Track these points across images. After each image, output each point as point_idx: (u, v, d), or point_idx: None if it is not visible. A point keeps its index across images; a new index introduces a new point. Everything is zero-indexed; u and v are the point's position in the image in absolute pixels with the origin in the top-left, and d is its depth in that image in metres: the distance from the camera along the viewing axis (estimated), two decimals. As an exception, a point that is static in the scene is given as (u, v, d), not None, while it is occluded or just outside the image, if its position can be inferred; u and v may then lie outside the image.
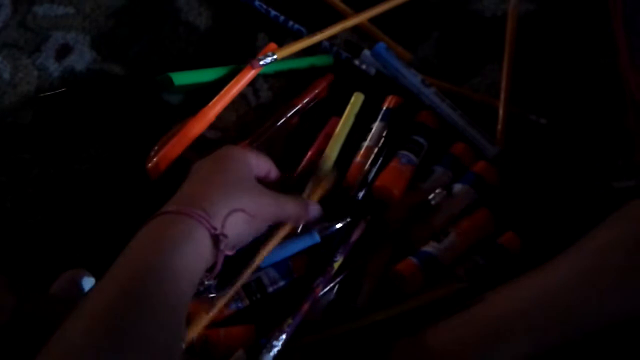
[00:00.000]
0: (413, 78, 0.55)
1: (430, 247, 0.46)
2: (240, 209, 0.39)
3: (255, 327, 0.45)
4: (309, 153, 0.53)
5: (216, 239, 0.38)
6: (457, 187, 0.49)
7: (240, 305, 0.45)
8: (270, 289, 0.46)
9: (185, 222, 0.37)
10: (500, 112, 0.54)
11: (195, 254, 0.37)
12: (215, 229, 0.38)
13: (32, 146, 0.53)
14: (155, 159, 0.51)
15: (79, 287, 0.45)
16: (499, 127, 0.53)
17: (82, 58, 0.58)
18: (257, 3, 0.60)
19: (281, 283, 0.46)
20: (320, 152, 0.52)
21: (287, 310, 0.43)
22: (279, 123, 0.55)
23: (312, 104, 0.56)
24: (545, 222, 0.48)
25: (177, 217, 0.37)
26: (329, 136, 0.53)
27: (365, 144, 0.52)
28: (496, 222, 0.48)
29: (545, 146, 0.53)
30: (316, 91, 0.56)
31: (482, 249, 0.47)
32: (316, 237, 0.47)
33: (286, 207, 0.44)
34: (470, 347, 0.39)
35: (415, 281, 0.45)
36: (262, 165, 0.45)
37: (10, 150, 0.53)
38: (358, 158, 0.52)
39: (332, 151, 0.52)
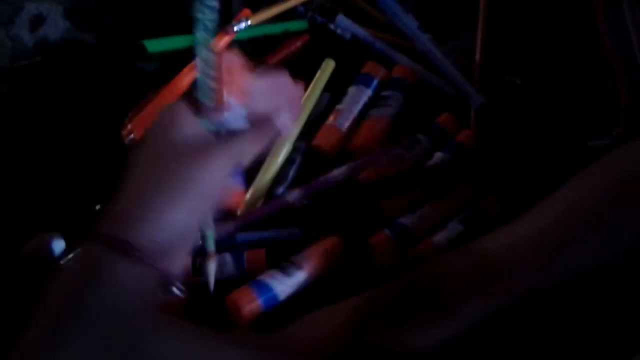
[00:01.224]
0: (410, 23, 0.55)
1: (404, 218, 0.46)
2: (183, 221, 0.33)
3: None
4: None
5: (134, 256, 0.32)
6: (438, 155, 0.49)
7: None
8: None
9: (94, 245, 0.32)
10: (476, 71, 0.54)
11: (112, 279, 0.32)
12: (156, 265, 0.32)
13: (8, 117, 0.53)
14: (129, 127, 0.51)
15: (49, 248, 0.45)
16: (475, 84, 0.53)
17: (55, 28, 0.58)
18: (230, -31, 0.59)
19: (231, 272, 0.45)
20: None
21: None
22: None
23: (286, 64, 0.56)
24: (522, 183, 0.49)
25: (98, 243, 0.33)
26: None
27: (339, 106, 0.52)
28: (474, 188, 0.48)
29: (520, 107, 0.53)
30: (291, 49, 0.56)
31: (461, 214, 0.46)
32: None
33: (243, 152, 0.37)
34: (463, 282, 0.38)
35: (388, 253, 0.45)
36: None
37: (-15, 121, 0.53)
38: (329, 120, 0.52)
39: (300, 116, 0.52)
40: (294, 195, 0.47)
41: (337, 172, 0.48)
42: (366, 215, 0.48)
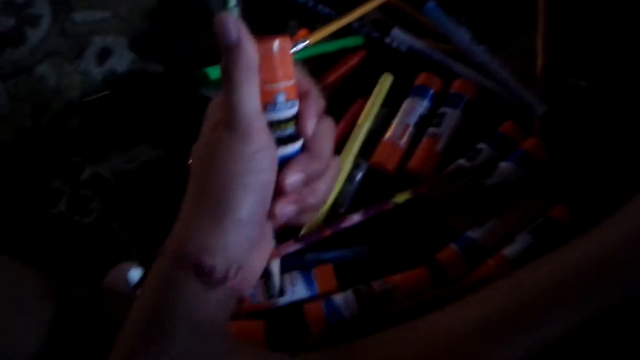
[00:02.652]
0: (463, 36, 0.54)
1: (471, 232, 0.46)
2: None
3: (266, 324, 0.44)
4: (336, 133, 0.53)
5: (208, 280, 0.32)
6: (503, 165, 0.48)
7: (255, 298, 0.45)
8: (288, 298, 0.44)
9: (165, 265, 0.33)
10: (538, 74, 0.53)
11: (184, 301, 0.32)
12: (222, 279, 0.32)
13: (83, 149, 0.56)
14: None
15: (127, 279, 0.47)
16: (538, 89, 0.52)
17: (122, 60, 0.60)
18: (284, -10, 0.60)
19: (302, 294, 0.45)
20: (346, 134, 0.53)
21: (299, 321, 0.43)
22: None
23: (344, 80, 0.56)
24: (592, 190, 0.47)
25: (161, 260, 0.34)
26: (355, 118, 0.54)
27: (395, 121, 0.52)
28: (544, 197, 0.47)
29: (586, 110, 0.51)
30: (349, 66, 0.57)
31: (530, 225, 0.45)
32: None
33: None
34: (510, 319, 0.37)
35: (457, 267, 0.45)
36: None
37: (61, 154, 0.56)
38: (386, 136, 0.52)
39: (359, 133, 0.52)
40: (356, 217, 0.47)
41: (397, 199, 0.48)
42: (432, 230, 0.47)
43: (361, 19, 0.58)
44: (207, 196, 0.34)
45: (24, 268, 0.41)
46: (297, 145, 0.36)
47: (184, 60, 0.59)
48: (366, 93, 0.55)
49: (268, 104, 0.34)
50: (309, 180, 0.35)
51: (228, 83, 0.33)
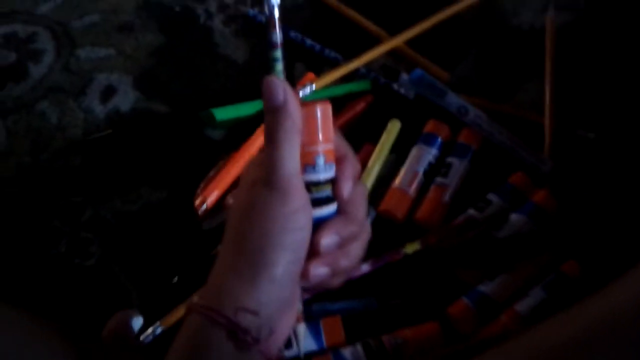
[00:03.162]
0: (452, 105, 0.54)
1: (483, 286, 0.45)
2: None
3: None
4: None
5: (243, 342, 0.32)
6: (514, 217, 0.48)
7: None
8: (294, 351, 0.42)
9: (200, 324, 0.32)
10: (547, 127, 0.53)
11: None
12: (239, 328, 0.32)
13: (83, 189, 0.55)
14: (201, 197, 0.52)
15: (130, 328, 0.46)
16: (547, 142, 0.52)
17: (126, 98, 0.60)
18: (292, 34, 0.60)
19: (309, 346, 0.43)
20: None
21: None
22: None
23: (351, 125, 0.56)
24: (603, 245, 0.47)
25: (194, 318, 0.33)
26: (362, 163, 0.53)
27: (404, 168, 0.52)
28: (555, 251, 0.47)
29: (595, 163, 0.51)
30: (355, 111, 0.57)
31: (542, 280, 0.45)
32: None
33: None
34: None
35: (469, 322, 0.44)
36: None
37: (62, 193, 0.55)
38: (395, 183, 0.51)
39: (367, 180, 0.52)
40: (364, 267, 0.47)
41: (407, 249, 0.47)
42: (442, 282, 0.47)
43: (369, 63, 0.58)
44: (243, 252, 0.33)
45: (47, 327, 0.40)
46: (332, 207, 0.36)
47: (189, 100, 0.59)
48: (373, 138, 0.55)
49: (307, 165, 0.35)
50: (343, 243, 0.35)
51: (271, 142, 0.34)
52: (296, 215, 0.33)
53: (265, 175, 0.34)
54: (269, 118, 0.34)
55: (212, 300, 0.33)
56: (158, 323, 0.46)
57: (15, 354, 0.37)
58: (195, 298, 0.34)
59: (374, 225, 0.51)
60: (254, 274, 0.33)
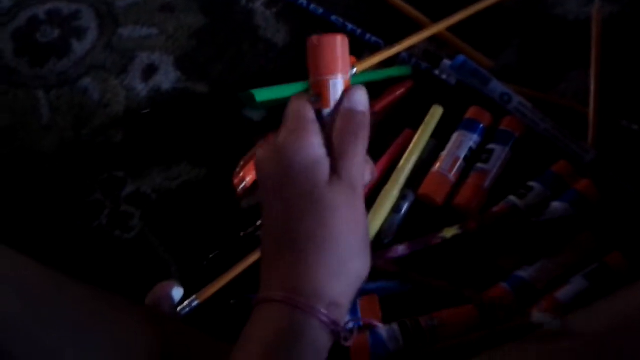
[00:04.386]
0: (495, 92, 0.53)
1: (522, 271, 0.45)
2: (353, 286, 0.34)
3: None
4: (381, 163, 0.53)
5: (337, 335, 0.33)
6: (555, 205, 0.47)
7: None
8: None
9: (296, 317, 0.32)
10: (591, 117, 0.52)
11: (313, 354, 0.32)
12: (335, 324, 0.32)
13: (125, 164, 0.56)
14: (240, 176, 0.52)
15: (171, 299, 0.46)
16: (591, 132, 0.52)
17: (167, 78, 0.60)
18: (333, 18, 0.60)
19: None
20: (393, 164, 0.52)
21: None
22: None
23: (390, 111, 0.56)
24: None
25: (285, 310, 0.32)
26: (402, 148, 0.53)
27: (444, 153, 0.52)
28: (599, 241, 0.46)
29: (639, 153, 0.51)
30: (395, 95, 0.56)
31: (585, 269, 0.44)
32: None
33: None
34: None
35: (507, 307, 0.44)
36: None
37: (103, 168, 0.55)
38: (435, 167, 0.51)
39: (407, 164, 0.52)
40: (401, 249, 0.46)
41: (446, 233, 0.47)
42: (481, 268, 0.46)
43: (410, 49, 0.58)
44: (328, 250, 0.33)
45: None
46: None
47: (229, 81, 0.59)
48: (412, 124, 0.55)
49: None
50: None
51: (352, 145, 0.35)
52: (365, 213, 0.35)
53: (344, 174, 0.34)
54: (353, 121, 0.35)
55: (303, 295, 0.32)
56: (194, 297, 0.47)
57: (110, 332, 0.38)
58: (273, 291, 0.33)
59: (413, 208, 0.51)
60: (340, 271, 0.33)
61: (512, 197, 0.48)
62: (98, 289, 0.40)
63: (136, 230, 0.52)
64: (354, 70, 0.55)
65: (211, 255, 0.49)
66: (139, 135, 0.57)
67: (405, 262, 0.47)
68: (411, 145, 0.53)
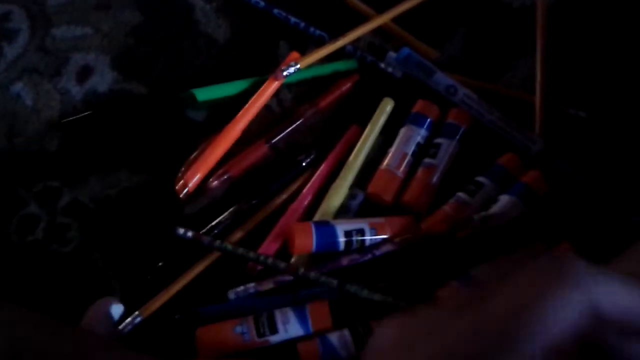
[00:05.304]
0: (440, 84, 0.52)
1: (474, 270, 0.44)
2: None
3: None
4: (329, 161, 0.51)
5: None
6: (504, 198, 0.46)
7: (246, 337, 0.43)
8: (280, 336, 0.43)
9: None
10: (538, 107, 0.52)
11: None
12: None
13: (61, 173, 0.53)
14: (182, 180, 0.50)
15: (109, 317, 0.44)
16: (538, 122, 0.51)
17: (103, 79, 0.58)
18: (275, 11, 0.58)
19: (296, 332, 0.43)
20: (340, 162, 0.51)
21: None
22: (296, 124, 0.53)
23: (337, 106, 0.55)
24: (596, 227, 0.46)
25: None
26: (350, 145, 0.52)
27: (392, 149, 0.50)
28: (548, 236, 0.46)
29: (587, 143, 0.50)
30: (342, 90, 0.55)
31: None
32: None
33: None
34: None
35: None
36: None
37: (38, 178, 0.53)
38: (383, 164, 0.50)
39: (356, 161, 0.50)
40: (348, 259, 0.45)
41: (394, 244, 0.46)
42: (433, 268, 0.45)
43: (355, 42, 0.56)
44: None
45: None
46: None
47: (169, 81, 0.57)
48: (360, 119, 0.53)
49: None
50: None
51: None
52: None
53: None
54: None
55: None
56: (137, 313, 0.45)
57: None
58: None
59: (362, 208, 0.49)
60: None
61: (461, 194, 0.47)
62: (29, 311, 0.38)
63: (74, 243, 0.50)
64: (298, 66, 0.54)
65: (155, 268, 0.47)
66: (75, 141, 0.54)
67: (357, 265, 0.46)
68: (359, 142, 0.52)
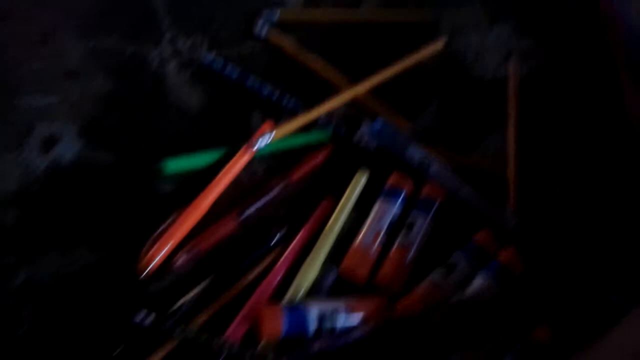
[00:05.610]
0: (413, 158, 0.52)
1: (453, 356, 0.42)
2: None
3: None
4: (302, 236, 0.50)
5: None
6: (478, 281, 0.45)
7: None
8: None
9: None
10: (511, 181, 0.51)
11: None
12: None
13: (17, 249, 0.50)
14: (146, 257, 0.48)
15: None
16: (511, 197, 0.50)
17: (69, 148, 0.56)
18: (249, 82, 0.58)
19: None
20: (314, 236, 0.49)
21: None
22: (268, 198, 0.52)
23: (309, 179, 0.53)
24: (573, 307, 0.45)
25: None
26: (323, 218, 0.50)
27: (366, 225, 0.49)
28: (523, 314, 0.44)
29: (562, 219, 0.50)
30: (315, 162, 0.54)
31: (512, 347, 0.42)
32: None
33: None
34: None
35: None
36: None
37: (-7, 254, 0.50)
38: (357, 242, 0.48)
39: (329, 236, 0.49)
40: (318, 345, 0.43)
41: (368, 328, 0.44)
42: (409, 353, 0.43)
43: (329, 113, 0.56)
44: None
45: None
46: None
47: (138, 150, 0.55)
48: (333, 191, 0.52)
49: None
50: None
51: None
52: None
53: None
54: None
55: None
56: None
57: None
58: None
59: (335, 287, 0.48)
60: None
61: (436, 275, 0.46)
62: None
63: (27, 325, 0.47)
64: (272, 135, 0.53)
65: (116, 351, 0.44)
66: (33, 216, 0.52)
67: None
68: (333, 216, 0.50)
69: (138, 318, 0.43)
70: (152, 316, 0.43)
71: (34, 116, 0.57)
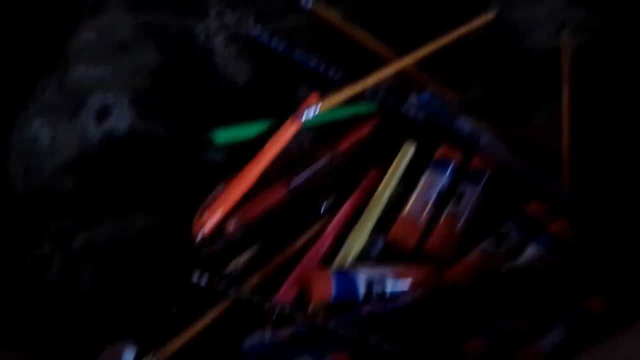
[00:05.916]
0: (463, 129, 0.51)
1: (501, 324, 0.42)
2: None
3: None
4: (349, 205, 0.50)
5: None
6: (530, 250, 0.45)
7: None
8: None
9: None
10: (564, 153, 0.50)
11: None
12: None
13: (75, 213, 0.52)
14: (200, 223, 0.49)
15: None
16: (565, 169, 0.50)
17: (122, 119, 0.57)
18: (295, 55, 0.58)
19: None
20: (362, 205, 0.50)
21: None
22: (316, 168, 0.52)
23: (357, 150, 0.53)
24: (627, 279, 0.44)
25: None
26: (370, 189, 0.51)
27: (414, 196, 0.49)
28: (576, 287, 0.44)
29: (617, 191, 0.49)
30: (361, 134, 0.54)
31: (564, 318, 0.42)
32: None
33: None
34: None
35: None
36: None
37: (52, 218, 0.52)
38: (405, 211, 0.48)
39: (376, 206, 0.49)
40: (368, 309, 0.43)
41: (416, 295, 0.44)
42: (457, 322, 0.43)
43: (376, 85, 0.56)
44: None
45: None
46: None
47: (187, 122, 0.56)
48: (380, 162, 0.52)
49: None
50: None
51: None
52: None
53: None
54: None
55: None
56: (151, 355, 0.43)
57: None
58: None
59: (382, 255, 0.48)
60: None
61: (486, 244, 0.46)
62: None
63: (88, 284, 0.48)
64: (319, 108, 0.53)
65: (169, 314, 0.46)
66: (91, 182, 0.54)
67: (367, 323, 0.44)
68: (380, 187, 0.50)
69: (194, 278, 0.44)
70: (207, 277, 0.44)
71: (87, 87, 0.59)
